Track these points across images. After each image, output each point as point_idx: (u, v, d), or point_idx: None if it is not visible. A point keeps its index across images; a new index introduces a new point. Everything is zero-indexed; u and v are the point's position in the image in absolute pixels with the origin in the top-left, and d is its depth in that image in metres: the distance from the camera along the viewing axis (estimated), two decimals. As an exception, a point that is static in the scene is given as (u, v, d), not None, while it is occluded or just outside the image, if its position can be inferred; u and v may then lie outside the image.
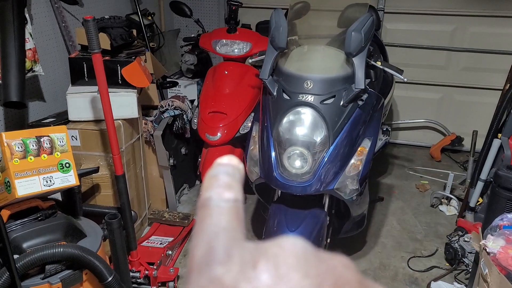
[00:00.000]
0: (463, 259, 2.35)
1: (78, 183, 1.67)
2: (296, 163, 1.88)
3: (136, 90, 2.32)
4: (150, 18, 3.33)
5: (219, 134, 2.57)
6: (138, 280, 2.15)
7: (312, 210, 1.99)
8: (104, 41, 2.23)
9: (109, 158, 2.17)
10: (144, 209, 2.64)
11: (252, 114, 2.61)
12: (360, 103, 1.98)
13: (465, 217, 2.65)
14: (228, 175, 0.26)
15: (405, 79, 2.08)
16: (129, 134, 2.36)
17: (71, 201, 1.86)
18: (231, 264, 0.22)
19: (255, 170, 2.06)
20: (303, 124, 1.89)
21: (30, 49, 2.18)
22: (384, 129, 2.53)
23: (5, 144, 1.50)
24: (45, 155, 1.58)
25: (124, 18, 2.52)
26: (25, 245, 1.52)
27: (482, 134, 2.70)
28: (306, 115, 1.89)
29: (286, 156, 1.89)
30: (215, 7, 3.99)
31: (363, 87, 1.89)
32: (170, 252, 2.34)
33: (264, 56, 2.07)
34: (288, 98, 1.93)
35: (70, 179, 1.63)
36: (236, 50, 2.83)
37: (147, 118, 2.65)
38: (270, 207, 2.07)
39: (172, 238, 2.47)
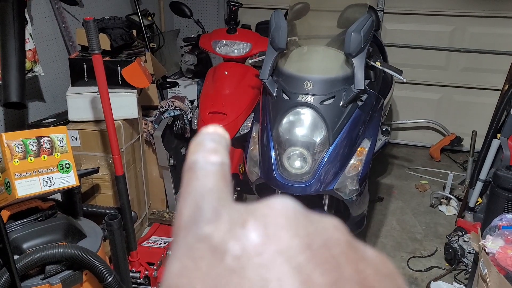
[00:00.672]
0: (463, 259, 2.36)
1: (78, 184, 1.68)
2: (296, 164, 1.89)
3: (136, 91, 2.32)
4: (150, 18, 3.34)
5: (219, 134, 2.57)
6: (138, 281, 2.15)
7: (311, 210, 2.00)
8: (104, 42, 2.23)
9: (109, 158, 2.17)
10: (144, 210, 2.64)
11: (252, 115, 2.61)
12: (360, 103, 1.99)
13: (465, 217, 2.65)
14: (214, 141, 0.25)
15: (405, 80, 2.09)
16: (129, 135, 2.36)
17: (71, 202, 1.87)
18: (219, 223, 0.21)
19: (255, 170, 2.06)
20: (303, 124, 1.89)
21: (30, 49, 2.18)
22: (384, 129, 2.54)
23: (5, 145, 1.50)
24: (45, 156, 1.58)
25: (124, 18, 2.52)
26: (25, 246, 1.52)
27: (482, 134, 2.71)
28: (306, 115, 1.90)
29: (286, 156, 1.89)
30: (215, 8, 3.99)
31: (363, 88, 1.89)
32: (170, 253, 2.34)
33: (264, 56, 2.07)
34: (288, 98, 1.94)
35: (70, 180, 1.63)
36: (236, 51, 2.83)
37: (147, 118, 2.65)
38: (270, 207, 2.07)
39: (172, 236, 2.47)
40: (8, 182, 1.51)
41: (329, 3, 2.53)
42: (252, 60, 2.49)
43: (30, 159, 1.54)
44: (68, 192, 1.84)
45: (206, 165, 0.24)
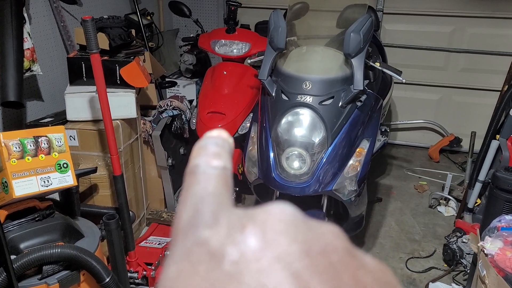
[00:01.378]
0: (461, 260, 2.35)
1: (76, 184, 1.67)
2: (295, 164, 1.88)
3: (134, 90, 2.32)
4: (149, 18, 3.33)
5: (217, 134, 2.56)
6: (136, 281, 2.14)
7: (310, 211, 1.99)
8: (103, 41, 2.23)
9: (107, 158, 2.16)
10: (142, 209, 2.64)
11: (251, 115, 2.60)
12: (359, 104, 1.98)
13: (463, 218, 2.65)
14: (217, 146, 0.25)
15: (404, 80, 2.08)
16: (127, 134, 2.35)
17: (69, 201, 1.86)
18: (218, 227, 0.21)
19: (253, 170, 2.05)
20: (302, 125, 1.89)
21: (28, 48, 2.18)
22: (383, 130, 2.53)
23: (3, 144, 1.49)
24: (43, 155, 1.57)
25: (122, 18, 2.51)
26: (22, 246, 1.51)
27: (481, 135, 2.71)
28: (305, 116, 1.89)
29: (285, 157, 1.89)
30: (214, 7, 3.99)
31: (362, 88, 1.89)
32: (168, 253, 2.34)
33: (263, 56, 2.07)
34: (287, 98, 1.93)
35: (68, 180, 1.62)
36: (235, 51, 2.82)
37: (145, 118, 2.64)
38: (269, 207, 2.06)
39: (171, 239, 2.47)
40: (5, 181, 1.50)
41: (328, 3, 2.53)
42: (251, 60, 2.48)
43: (28, 159, 1.54)
44: (66, 192, 1.83)
45: (207, 169, 0.24)
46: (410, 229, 2.76)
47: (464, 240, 2.38)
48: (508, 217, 1.74)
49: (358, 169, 1.96)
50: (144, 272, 2.13)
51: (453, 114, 3.75)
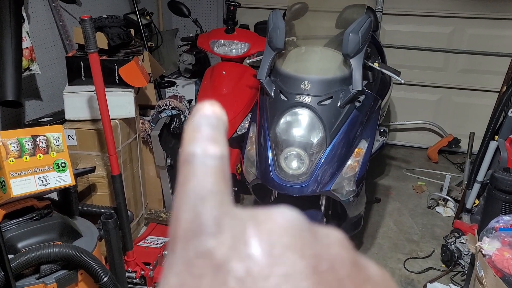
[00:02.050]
0: (459, 260, 2.36)
1: (74, 183, 1.67)
2: (293, 164, 1.88)
3: (133, 90, 2.31)
4: (148, 17, 3.33)
5: (216, 134, 2.56)
6: (134, 281, 2.14)
7: (308, 211, 1.99)
8: (102, 41, 2.23)
9: (106, 157, 2.16)
10: (141, 209, 2.63)
11: (250, 115, 2.60)
12: (357, 104, 1.98)
13: (462, 218, 2.65)
14: (212, 127, 0.23)
15: (403, 81, 2.09)
16: (126, 134, 2.35)
17: (67, 201, 1.86)
18: (221, 237, 0.20)
19: (252, 171, 2.05)
20: (300, 125, 1.89)
21: (27, 47, 2.17)
22: (382, 130, 2.53)
23: (0, 143, 1.49)
24: (41, 155, 1.57)
25: (121, 17, 2.51)
26: (20, 245, 1.51)
27: (479, 136, 2.71)
28: (303, 116, 1.89)
29: (283, 157, 1.89)
30: (214, 7, 3.99)
31: (360, 89, 1.89)
32: (166, 253, 2.33)
33: (262, 56, 2.07)
34: (285, 99, 1.93)
35: (66, 179, 1.62)
36: (234, 51, 2.82)
37: (144, 117, 2.64)
38: (267, 208, 2.06)
39: (169, 243, 2.46)
40: (3, 181, 1.50)
41: (327, 3, 2.53)
42: (250, 60, 2.48)
43: (26, 158, 1.53)
44: (64, 191, 1.83)
45: (204, 159, 0.22)
46: (409, 229, 2.77)
47: (462, 241, 2.39)
48: (506, 217, 1.74)
49: (357, 169, 1.96)
50: (142, 272, 2.13)
51: (452, 114, 3.75)
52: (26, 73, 2.20)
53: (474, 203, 2.59)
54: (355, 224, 2.22)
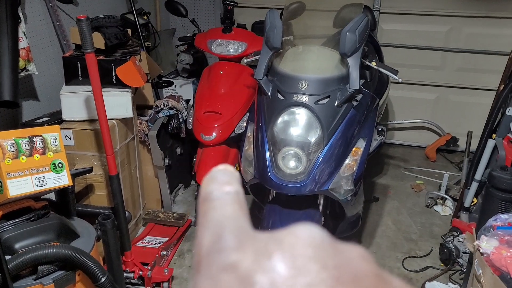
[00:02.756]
0: (458, 259, 2.36)
1: (71, 183, 1.67)
2: (291, 164, 1.88)
3: (130, 90, 2.31)
4: (145, 17, 3.32)
5: (214, 134, 2.57)
6: (132, 281, 2.14)
7: (306, 211, 1.99)
8: (99, 41, 2.22)
9: (103, 158, 2.16)
10: (138, 209, 2.63)
11: (247, 114, 2.60)
12: (355, 103, 1.98)
13: (460, 217, 2.65)
14: (226, 175, 0.25)
15: (400, 80, 2.08)
16: (123, 134, 2.35)
17: (64, 201, 1.85)
18: (244, 251, 0.21)
19: (249, 170, 2.05)
20: (298, 124, 1.89)
21: (23, 48, 2.17)
22: (380, 129, 2.53)
23: (-3, 144, 1.48)
24: (38, 155, 1.57)
25: (118, 17, 2.51)
26: (17, 246, 1.51)
27: (477, 134, 2.71)
28: (301, 115, 1.89)
29: (281, 156, 1.88)
30: (211, 7, 3.98)
31: (358, 88, 1.88)
32: (164, 253, 2.34)
33: (259, 56, 2.06)
34: (283, 98, 1.93)
35: (63, 179, 1.62)
36: (231, 50, 2.82)
37: (142, 117, 2.63)
38: (265, 207, 2.06)
39: (167, 239, 2.46)
40: (0, 181, 1.49)
41: (324, 3, 2.53)
42: (247, 60, 2.48)
43: (23, 159, 1.53)
44: (61, 192, 1.82)
45: (221, 194, 0.24)
46: (407, 228, 2.77)
47: (460, 239, 2.39)
48: (504, 216, 1.74)
49: (354, 168, 1.96)
50: (140, 272, 2.13)
51: (450, 113, 3.76)
52: (23, 74, 2.19)
53: (472, 201, 2.59)
54: (354, 223, 2.22)
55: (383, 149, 3.63)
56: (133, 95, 2.38)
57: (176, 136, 2.87)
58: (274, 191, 2.03)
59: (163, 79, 3.43)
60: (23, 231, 1.55)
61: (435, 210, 2.95)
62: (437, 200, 3.00)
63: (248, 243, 0.21)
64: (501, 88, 2.53)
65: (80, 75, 2.25)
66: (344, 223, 2.17)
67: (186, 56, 3.48)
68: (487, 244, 1.62)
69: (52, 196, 1.87)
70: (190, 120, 2.75)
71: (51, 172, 1.59)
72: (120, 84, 2.26)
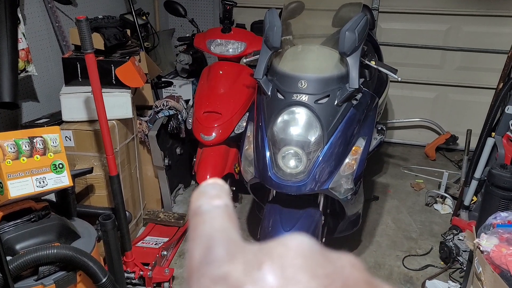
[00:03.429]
0: (458, 257, 2.36)
1: (72, 184, 1.67)
2: (291, 163, 1.88)
3: (130, 90, 2.31)
4: (144, 18, 3.32)
5: (214, 134, 2.57)
6: (133, 281, 2.14)
7: (307, 210, 2.00)
8: (98, 41, 2.22)
9: (104, 158, 2.16)
10: (139, 210, 2.63)
11: (247, 114, 2.60)
12: (354, 102, 1.98)
13: (460, 215, 2.66)
14: (215, 189, 0.26)
15: (399, 78, 2.09)
16: (123, 135, 2.35)
17: (65, 202, 1.85)
18: (234, 263, 0.21)
19: (249, 170, 2.05)
20: (298, 123, 1.89)
21: (23, 49, 2.17)
22: (379, 128, 2.54)
23: (-2, 145, 1.49)
24: (38, 156, 1.57)
25: (117, 18, 2.51)
26: (18, 247, 1.51)
27: (476, 133, 2.71)
28: (301, 114, 1.89)
29: (281, 155, 1.89)
30: (210, 7, 3.99)
31: (357, 87, 1.89)
32: (165, 253, 2.34)
33: (258, 55, 2.07)
34: (283, 97, 1.93)
35: (63, 180, 1.62)
36: (230, 50, 2.82)
37: (141, 118, 2.64)
38: (265, 207, 2.06)
39: (167, 239, 2.47)
40: (0, 182, 1.49)
41: (323, 2, 2.53)
42: (247, 59, 2.48)
43: (23, 160, 1.53)
44: (62, 193, 1.83)
45: (211, 208, 0.24)
46: (407, 227, 2.77)
47: (460, 238, 2.39)
48: (503, 214, 1.75)
49: (354, 167, 1.96)
50: (141, 272, 2.13)
51: (449, 112, 3.76)
52: (22, 75, 2.19)
53: (472, 200, 2.59)
54: (354, 222, 2.22)
55: (382, 148, 3.63)
56: (133, 96, 2.39)
57: (176, 136, 2.87)
58: (274, 191, 2.03)
59: (163, 79, 3.43)
60: (24, 232, 1.55)
61: (435, 209, 2.96)
62: (437, 199, 3.01)
63: (238, 255, 0.21)
64: (500, 86, 2.53)
65: (79, 75, 2.26)
66: (344, 222, 2.17)
67: (185, 56, 3.48)
68: (487, 242, 1.62)
69: (52, 197, 1.87)
70: (190, 120, 2.75)
71: (51, 173, 1.59)
72: (119, 84, 2.26)
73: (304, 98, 1.89)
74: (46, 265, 1.49)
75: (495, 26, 3.42)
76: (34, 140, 1.57)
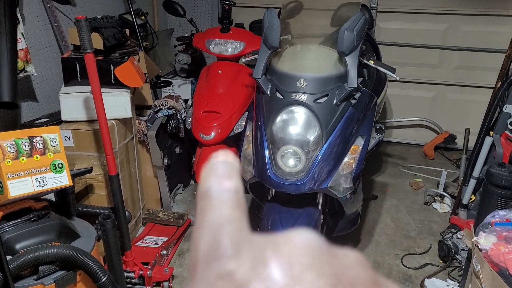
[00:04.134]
0: (456, 256, 2.37)
1: (71, 184, 1.67)
2: (290, 162, 1.89)
3: (129, 90, 2.31)
4: (143, 17, 3.33)
5: (213, 133, 2.57)
6: (133, 280, 2.14)
7: (306, 209, 2.00)
8: (97, 41, 2.22)
9: (103, 158, 2.16)
10: (138, 209, 2.64)
11: (246, 113, 2.61)
12: (353, 101, 1.99)
13: (458, 214, 2.66)
14: (226, 167, 0.25)
15: (398, 78, 2.09)
16: (122, 134, 2.35)
17: (64, 202, 1.86)
18: (241, 259, 0.20)
19: (249, 169, 2.06)
20: (297, 123, 1.89)
21: (22, 49, 2.17)
22: (378, 127, 2.54)
23: (-3, 145, 1.49)
24: (38, 156, 1.57)
25: (117, 18, 2.51)
26: (18, 246, 1.51)
27: (475, 132, 2.72)
28: (300, 114, 1.90)
29: (280, 155, 1.89)
30: (209, 7, 3.99)
31: (356, 86, 1.89)
32: (164, 252, 2.34)
33: (257, 55, 2.07)
34: (281, 97, 1.94)
35: (63, 180, 1.62)
36: (229, 50, 2.82)
37: (141, 118, 2.64)
38: (264, 206, 2.07)
39: (167, 238, 2.47)
40: (0, 182, 1.50)
41: (322, 1, 2.53)
42: (246, 59, 2.48)
43: (23, 159, 1.53)
44: (61, 192, 1.83)
45: (221, 192, 0.23)
46: (406, 226, 2.78)
47: (459, 236, 2.40)
48: (501, 212, 1.75)
49: (353, 166, 1.97)
50: (141, 272, 2.13)
51: (448, 111, 3.77)
52: (21, 75, 2.20)
53: (471, 198, 2.60)
54: (353, 221, 2.22)
55: (381, 147, 3.64)
56: (132, 95, 2.39)
57: (175, 136, 2.87)
58: (274, 190, 2.04)
59: (162, 79, 3.43)
60: (24, 232, 1.55)
61: (434, 208, 2.97)
62: (435, 198, 3.02)
63: (245, 249, 0.21)
64: (498, 85, 2.54)
65: (78, 75, 2.26)
66: (343, 221, 2.18)
67: (184, 56, 3.49)
68: (485, 241, 1.63)
69: (52, 196, 1.87)
70: (189, 120, 2.75)
71: (51, 172, 1.59)
72: (118, 84, 2.26)
73: (303, 97, 1.89)
74: (46, 264, 1.49)
75: (493, 26, 3.43)
76: (34, 140, 1.58)
